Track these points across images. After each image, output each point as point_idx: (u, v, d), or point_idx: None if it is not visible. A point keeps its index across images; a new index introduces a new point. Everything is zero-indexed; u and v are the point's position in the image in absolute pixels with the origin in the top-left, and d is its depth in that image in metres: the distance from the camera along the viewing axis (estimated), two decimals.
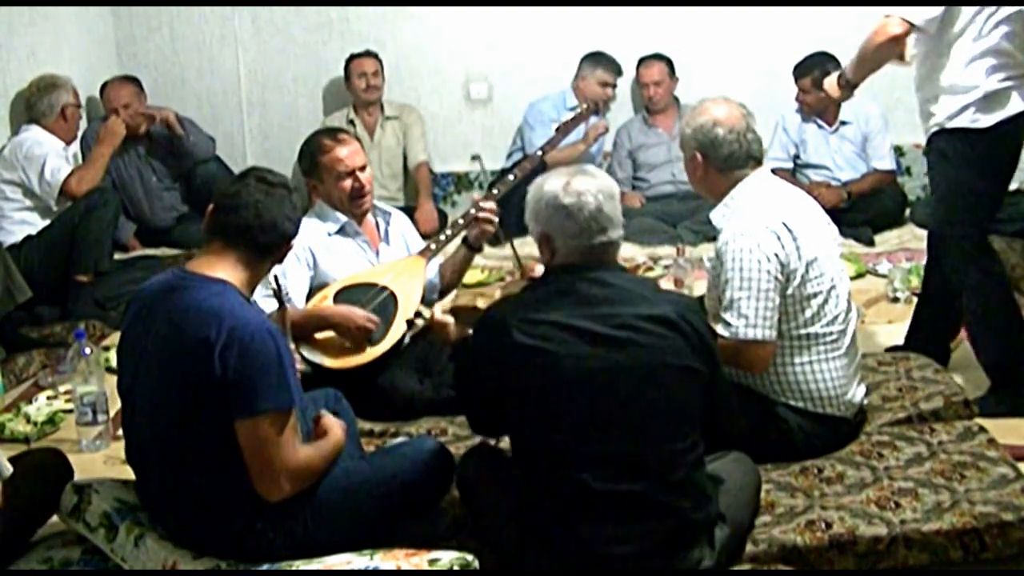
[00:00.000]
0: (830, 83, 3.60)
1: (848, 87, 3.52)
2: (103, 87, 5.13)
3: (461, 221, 3.48)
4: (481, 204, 3.43)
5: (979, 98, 3.19)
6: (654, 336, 2.14)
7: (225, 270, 2.24)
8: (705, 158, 2.74)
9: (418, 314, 3.24)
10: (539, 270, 4.36)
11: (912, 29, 3.22)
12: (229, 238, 2.26)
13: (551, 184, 2.24)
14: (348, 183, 3.31)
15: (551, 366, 2.12)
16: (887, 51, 3.30)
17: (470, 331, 2.62)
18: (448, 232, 3.47)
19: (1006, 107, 3.19)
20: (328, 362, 3.12)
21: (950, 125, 3.24)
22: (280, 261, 2.36)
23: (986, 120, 3.18)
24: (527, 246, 4.94)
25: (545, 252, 2.28)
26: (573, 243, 2.22)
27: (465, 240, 3.49)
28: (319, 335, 3.16)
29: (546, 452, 2.16)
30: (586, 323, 2.13)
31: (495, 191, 3.58)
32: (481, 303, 2.79)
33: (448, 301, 3.44)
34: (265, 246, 2.27)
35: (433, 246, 3.43)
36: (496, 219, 3.43)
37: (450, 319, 2.64)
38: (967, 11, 3.15)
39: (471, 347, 2.32)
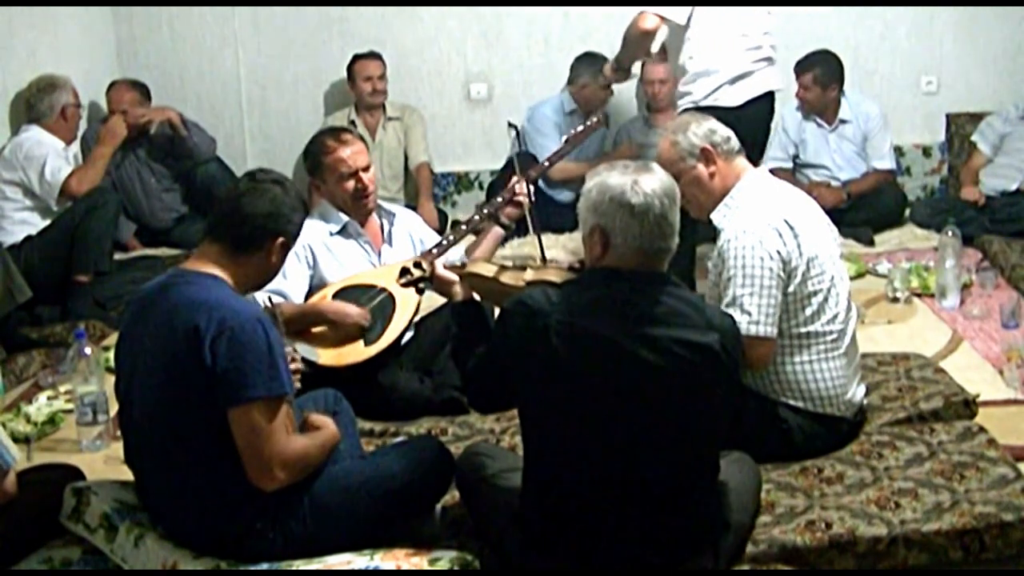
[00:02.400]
0: (607, 67, 4.14)
1: (621, 70, 4.07)
2: (109, 87, 5.13)
3: (464, 227, 3.49)
4: (516, 188, 3.44)
5: (730, 78, 3.68)
6: (694, 366, 2.08)
7: (213, 265, 2.26)
8: (714, 148, 2.74)
9: (416, 264, 3.21)
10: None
11: (664, 22, 3.74)
12: (211, 233, 2.30)
13: (617, 179, 2.13)
14: (351, 184, 3.32)
15: (581, 380, 2.07)
16: (643, 42, 3.83)
17: (475, 295, 2.57)
18: (451, 237, 3.47)
19: (754, 87, 3.70)
20: (322, 359, 3.12)
21: (704, 103, 3.67)
22: (269, 256, 2.31)
23: (737, 98, 3.67)
24: (525, 247, 5.00)
25: (596, 248, 2.16)
26: (632, 244, 2.12)
27: (497, 219, 3.48)
28: (314, 330, 3.17)
29: (557, 452, 2.15)
30: (628, 342, 2.06)
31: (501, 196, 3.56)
32: (504, 277, 2.68)
33: (458, 259, 3.38)
34: (241, 239, 2.27)
35: (435, 250, 3.44)
36: (527, 200, 3.44)
37: (454, 276, 2.56)
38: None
39: (497, 328, 2.21)
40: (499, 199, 3.49)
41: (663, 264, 2.18)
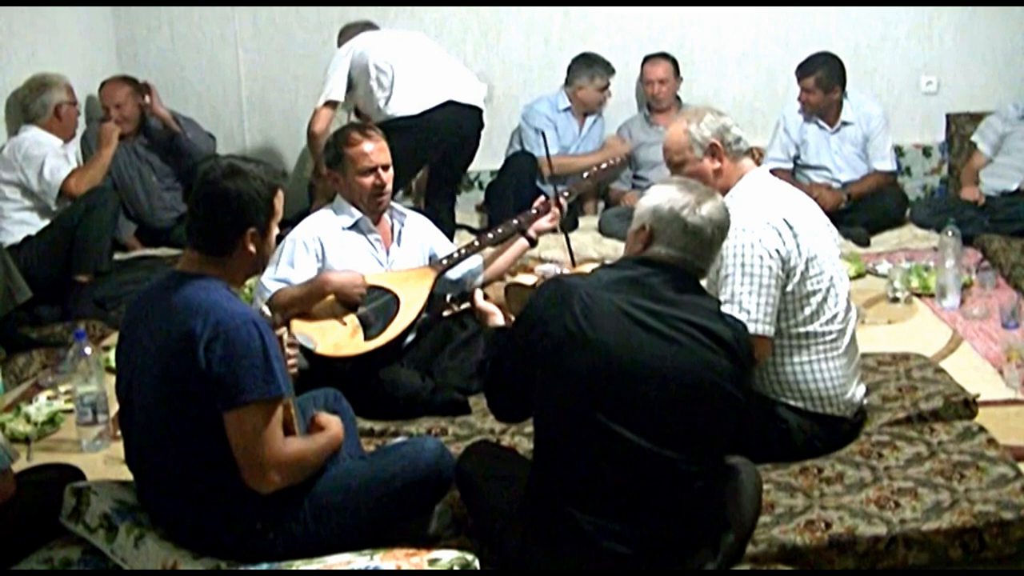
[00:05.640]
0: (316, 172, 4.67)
1: (317, 175, 4.61)
2: (101, 85, 5.14)
3: (476, 243, 3.55)
4: (550, 207, 3.56)
5: (412, 92, 4.37)
6: (705, 348, 2.14)
7: (204, 267, 2.25)
8: (724, 145, 2.75)
9: (454, 299, 3.30)
10: (539, 270, 4.40)
11: (335, 107, 4.55)
12: (189, 240, 2.30)
13: (684, 194, 2.26)
14: (369, 179, 3.34)
15: (596, 349, 2.10)
16: (318, 142, 4.37)
17: (513, 317, 2.62)
18: (462, 250, 3.51)
19: (432, 98, 4.36)
20: (320, 348, 3.13)
21: (400, 114, 4.36)
22: (247, 249, 2.25)
23: (417, 108, 4.31)
24: (548, 249, 4.99)
25: (637, 244, 2.28)
26: (671, 253, 2.23)
27: (524, 232, 3.56)
28: (312, 324, 3.19)
29: (564, 438, 2.15)
30: (644, 316, 2.13)
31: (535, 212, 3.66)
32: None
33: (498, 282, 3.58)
34: (212, 244, 2.25)
35: (445, 261, 3.47)
36: (557, 219, 3.58)
37: (494, 308, 2.60)
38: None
39: (527, 301, 2.27)
40: (515, 221, 3.57)
41: (692, 275, 2.26)
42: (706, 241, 2.24)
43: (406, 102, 4.37)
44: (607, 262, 2.44)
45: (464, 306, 3.47)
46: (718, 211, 2.26)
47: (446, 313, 3.42)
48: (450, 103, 4.43)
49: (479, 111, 4.63)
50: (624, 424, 2.09)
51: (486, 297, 2.56)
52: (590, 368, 2.10)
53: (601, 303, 2.13)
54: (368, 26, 4.92)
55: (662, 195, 2.27)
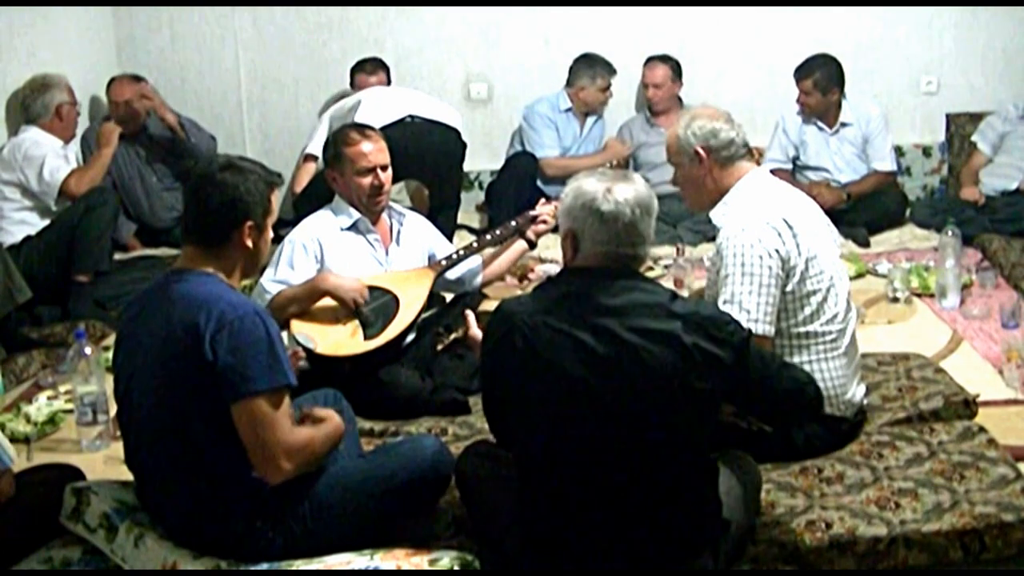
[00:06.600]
0: None
1: None
2: (109, 83, 5.14)
3: (476, 244, 3.58)
4: (540, 209, 3.62)
5: (372, 111, 4.40)
6: (653, 354, 2.06)
7: (200, 263, 2.26)
8: (708, 151, 2.74)
9: (441, 333, 3.31)
10: (539, 270, 4.44)
11: (316, 160, 4.78)
12: (185, 235, 2.33)
13: (591, 185, 2.18)
14: (368, 180, 3.35)
15: (544, 376, 2.08)
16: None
17: None
18: (461, 251, 3.53)
19: (390, 114, 4.37)
20: (320, 348, 3.14)
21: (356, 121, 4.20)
22: (243, 242, 2.27)
23: (376, 124, 4.01)
24: (548, 249, 5.00)
25: (568, 250, 2.21)
26: (599, 248, 2.15)
27: (523, 234, 3.61)
28: (312, 323, 3.20)
29: (547, 458, 2.14)
30: (587, 336, 2.07)
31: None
32: None
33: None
34: (208, 235, 2.27)
35: (444, 262, 3.48)
36: (552, 220, 3.61)
37: (480, 336, 2.58)
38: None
39: (482, 348, 2.27)
40: (513, 223, 3.62)
41: (632, 267, 2.20)
42: (629, 224, 2.13)
43: (366, 119, 4.34)
44: (550, 274, 2.39)
45: (454, 336, 3.50)
46: (633, 191, 2.16)
47: (439, 347, 3.47)
48: (410, 117, 4.43)
49: (455, 131, 4.57)
50: (590, 440, 2.09)
51: (478, 320, 2.54)
52: (544, 396, 2.09)
53: (543, 333, 2.08)
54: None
55: (572, 194, 2.19)
